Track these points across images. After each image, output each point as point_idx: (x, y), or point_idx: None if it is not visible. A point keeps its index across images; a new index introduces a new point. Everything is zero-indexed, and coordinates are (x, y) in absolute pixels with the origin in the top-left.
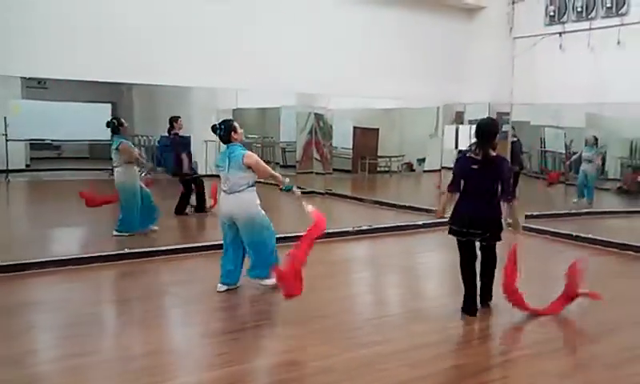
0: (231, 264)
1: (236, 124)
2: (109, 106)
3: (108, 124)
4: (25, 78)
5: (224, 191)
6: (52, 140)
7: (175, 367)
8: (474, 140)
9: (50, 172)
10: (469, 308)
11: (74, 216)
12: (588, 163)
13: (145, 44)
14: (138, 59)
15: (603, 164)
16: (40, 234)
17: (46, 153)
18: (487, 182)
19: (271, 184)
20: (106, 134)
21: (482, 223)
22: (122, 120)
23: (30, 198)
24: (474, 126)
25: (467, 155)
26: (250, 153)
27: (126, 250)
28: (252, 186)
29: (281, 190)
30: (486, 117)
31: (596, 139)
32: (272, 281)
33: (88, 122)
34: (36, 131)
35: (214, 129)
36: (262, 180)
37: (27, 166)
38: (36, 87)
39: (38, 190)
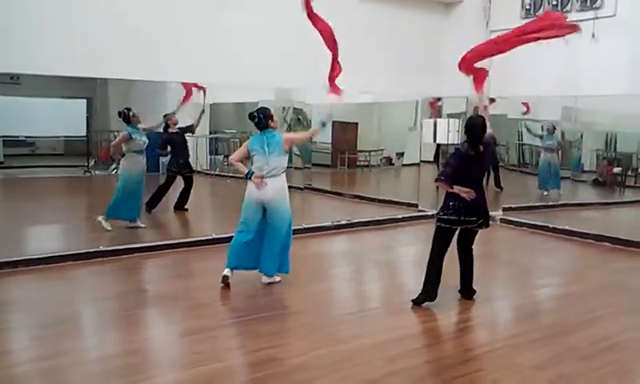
0: (251, 250)
1: (272, 112)
2: (84, 101)
3: (119, 114)
4: None
5: (260, 176)
6: (26, 136)
7: (152, 366)
8: (464, 138)
9: (24, 169)
10: (433, 294)
11: (48, 214)
12: (550, 152)
13: (119, 39)
14: (113, 54)
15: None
16: (13, 232)
17: (19, 149)
18: (480, 174)
19: None
20: (81, 131)
21: (477, 210)
22: (129, 109)
23: (3, 195)
24: (452, 120)
25: (461, 152)
26: (285, 135)
27: (101, 248)
28: (285, 171)
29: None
30: (472, 115)
31: (554, 127)
32: (277, 278)
33: (63, 118)
34: (9, 128)
35: (251, 116)
36: None
37: (0, 163)
38: (8, 83)
39: (12, 187)
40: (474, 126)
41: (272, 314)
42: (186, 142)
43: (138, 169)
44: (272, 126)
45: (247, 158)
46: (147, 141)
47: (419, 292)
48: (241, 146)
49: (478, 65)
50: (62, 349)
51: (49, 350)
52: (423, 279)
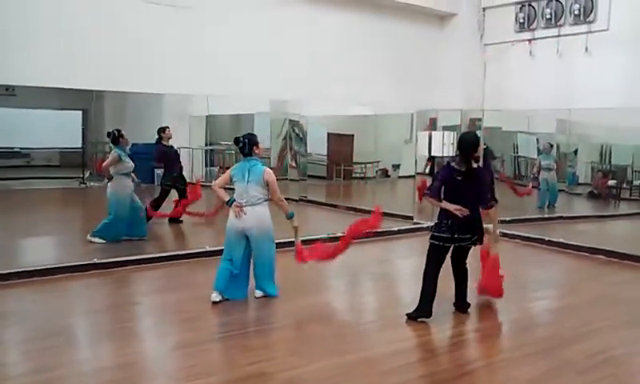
0: (234, 279)
1: (258, 139)
2: (79, 113)
3: (108, 134)
4: None
5: (241, 204)
6: (21, 148)
7: (145, 380)
8: (456, 152)
9: (19, 180)
10: (429, 312)
11: (42, 225)
12: (548, 171)
13: (116, 51)
14: (109, 66)
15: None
16: (7, 244)
17: (14, 161)
18: (471, 192)
19: None
20: (77, 142)
21: (471, 228)
22: (122, 131)
23: None
24: (447, 133)
25: (451, 165)
26: (269, 170)
27: (95, 261)
28: (267, 200)
29: (286, 216)
30: (467, 131)
31: (551, 146)
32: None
33: (58, 130)
34: (4, 139)
35: (236, 141)
36: None
37: None
38: (4, 94)
39: (6, 198)
40: (466, 142)
41: (263, 327)
42: (178, 155)
43: (126, 191)
44: (256, 153)
45: (230, 185)
46: (133, 165)
47: (414, 306)
48: (235, 161)
49: None
50: (55, 362)
51: (42, 363)
52: (419, 295)
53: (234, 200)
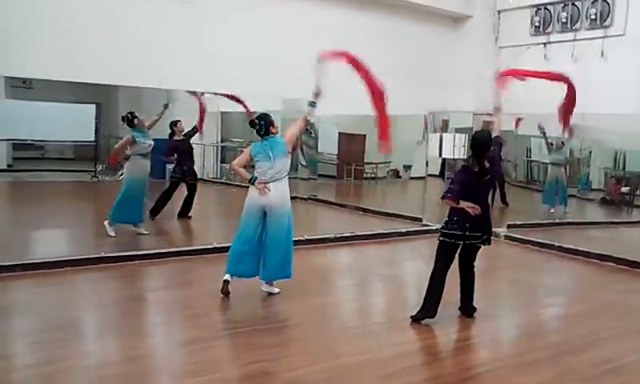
0: (251, 257)
1: (273, 119)
2: (93, 106)
3: (123, 119)
4: (9, 77)
5: (264, 181)
6: (35, 140)
7: (149, 375)
8: (470, 152)
9: (33, 172)
10: (434, 312)
11: (53, 218)
12: (558, 167)
13: (131, 46)
14: (124, 61)
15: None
16: (17, 235)
17: (29, 153)
18: (484, 191)
19: None
20: (90, 135)
21: (482, 226)
22: (132, 113)
23: (10, 198)
24: (458, 135)
25: (467, 168)
26: (284, 137)
27: (103, 254)
28: (286, 175)
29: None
30: (480, 130)
31: (562, 143)
32: (277, 289)
33: (73, 123)
34: (19, 131)
35: (252, 124)
36: None
37: (9, 166)
38: (21, 87)
39: (20, 190)
40: (479, 142)
41: (269, 326)
42: (191, 149)
43: (141, 172)
44: (273, 132)
45: (250, 165)
46: (152, 143)
47: (419, 307)
48: None
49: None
50: (61, 354)
51: (48, 356)
52: (424, 295)
53: (257, 177)
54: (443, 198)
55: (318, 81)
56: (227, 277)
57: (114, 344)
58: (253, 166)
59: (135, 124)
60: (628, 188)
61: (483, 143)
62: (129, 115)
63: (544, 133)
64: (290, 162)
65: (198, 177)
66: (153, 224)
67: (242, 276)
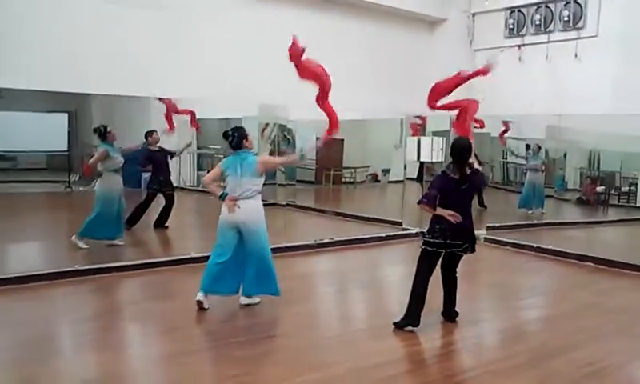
0: (228, 273)
1: (247, 132)
2: (65, 115)
3: (95, 130)
4: None
5: (235, 197)
6: (6, 151)
7: None
8: (449, 160)
9: (4, 184)
10: (417, 320)
11: (25, 230)
12: (535, 172)
13: (103, 54)
14: (96, 69)
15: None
16: None
17: (0, 164)
18: (466, 198)
19: None
20: (63, 145)
21: (464, 235)
22: (106, 127)
23: None
24: (436, 138)
25: (447, 174)
26: (260, 157)
27: (77, 267)
28: (260, 193)
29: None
30: (458, 137)
31: (539, 147)
32: (257, 298)
33: (45, 133)
34: None
35: (225, 135)
36: None
37: None
38: None
39: None
40: (460, 147)
41: (249, 337)
42: (167, 159)
43: (115, 188)
44: (246, 146)
45: (222, 179)
46: (123, 160)
47: (402, 314)
48: None
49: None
50: (36, 373)
51: (23, 374)
52: (407, 303)
53: (227, 194)
54: (420, 202)
55: (316, 140)
56: (200, 297)
57: (91, 360)
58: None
59: (107, 138)
60: (603, 187)
61: (464, 149)
62: (102, 128)
63: (514, 154)
64: (261, 181)
65: (175, 185)
66: (129, 235)
67: (218, 293)
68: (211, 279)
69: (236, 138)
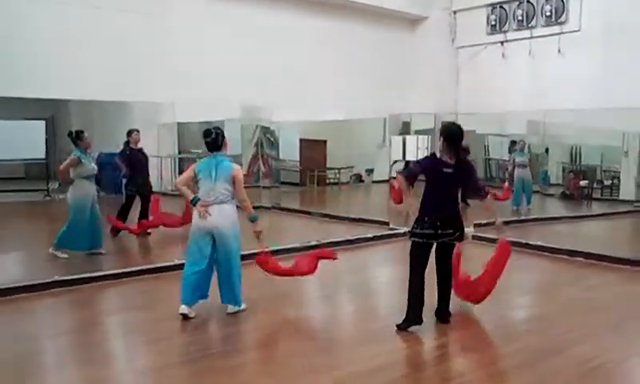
0: (205, 279)
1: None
2: (43, 122)
3: (69, 134)
4: None
5: (209, 202)
6: None
7: None
8: (440, 144)
9: None
10: (419, 318)
11: (4, 240)
12: (523, 168)
13: (80, 59)
14: (73, 75)
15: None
16: None
17: None
18: (456, 186)
19: None
20: (41, 152)
21: (453, 223)
22: (80, 132)
23: None
24: (421, 137)
25: (438, 157)
26: (238, 167)
27: (56, 278)
28: (233, 198)
29: (249, 218)
30: (449, 122)
31: (524, 143)
32: (244, 304)
33: (22, 141)
34: None
35: (208, 133)
36: None
37: None
38: None
39: None
40: (454, 133)
41: (235, 346)
42: (147, 160)
43: (87, 196)
44: (223, 150)
45: (194, 182)
46: (96, 168)
47: (395, 317)
48: None
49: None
50: None
51: None
52: (407, 304)
53: (199, 199)
54: (398, 173)
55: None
56: (184, 310)
57: (74, 376)
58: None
59: (78, 144)
60: (586, 182)
61: (458, 135)
62: (74, 132)
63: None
64: (232, 190)
65: (157, 190)
66: (111, 242)
67: (198, 300)
68: (190, 290)
69: (220, 135)
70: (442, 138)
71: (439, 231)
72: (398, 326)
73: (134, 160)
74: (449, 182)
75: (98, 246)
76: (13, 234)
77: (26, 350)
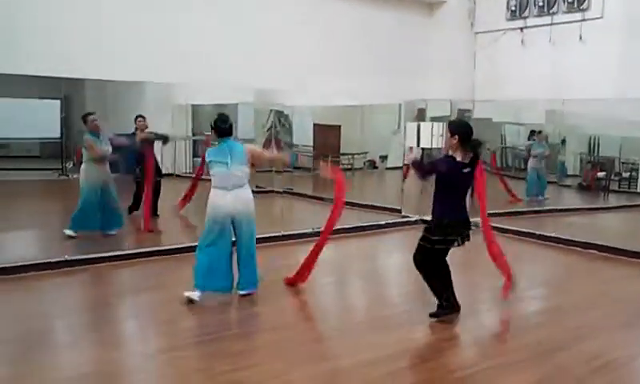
0: (222, 265)
1: None
2: (58, 102)
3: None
4: None
5: (223, 188)
6: None
7: None
8: (450, 143)
9: None
10: (457, 306)
11: (16, 219)
12: (539, 160)
13: (96, 38)
14: (89, 53)
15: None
16: None
17: None
18: (469, 182)
19: None
20: (56, 132)
21: (468, 222)
22: (87, 115)
23: None
24: (436, 124)
25: (456, 159)
26: (249, 146)
27: (67, 258)
28: (248, 181)
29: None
30: (457, 119)
31: (540, 132)
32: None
33: (38, 120)
34: None
35: (224, 119)
36: None
37: None
38: None
39: None
40: (469, 131)
41: (244, 330)
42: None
43: (97, 178)
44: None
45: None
46: (109, 149)
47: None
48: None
49: None
50: (29, 368)
51: (17, 370)
52: (437, 297)
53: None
54: (412, 164)
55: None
56: (196, 296)
57: (84, 355)
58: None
59: (89, 127)
60: (604, 173)
61: (471, 131)
62: (84, 115)
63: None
64: (249, 171)
65: (170, 172)
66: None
67: (216, 290)
68: (205, 275)
69: (230, 122)
70: (456, 137)
71: (464, 231)
72: (433, 315)
73: (139, 146)
74: (465, 183)
75: (110, 228)
76: (27, 213)
77: (35, 328)
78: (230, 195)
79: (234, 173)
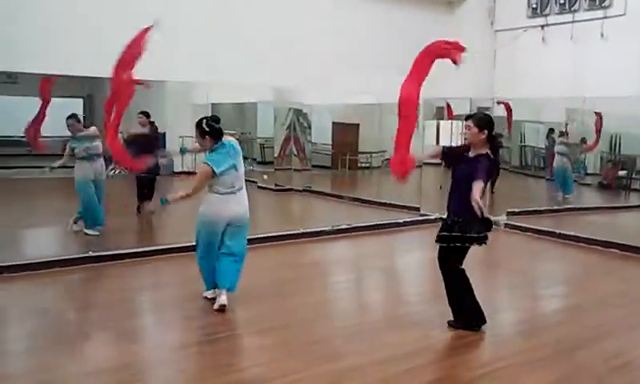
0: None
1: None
2: (81, 101)
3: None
4: None
5: (229, 192)
6: (22, 136)
7: None
8: (478, 137)
9: (20, 170)
10: (483, 317)
11: (40, 216)
12: (566, 158)
13: (118, 38)
14: (112, 53)
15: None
16: (2, 235)
17: (16, 149)
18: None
19: None
20: None
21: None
22: (73, 116)
23: None
24: (455, 122)
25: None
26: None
27: (91, 253)
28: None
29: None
30: (480, 112)
31: (566, 132)
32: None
33: (61, 118)
34: (6, 127)
35: (216, 120)
36: None
37: None
38: (6, 82)
39: (6, 188)
40: (493, 123)
41: (259, 328)
42: (156, 141)
43: (86, 176)
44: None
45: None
46: (88, 145)
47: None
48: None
49: None
50: (53, 362)
51: (42, 362)
52: (465, 307)
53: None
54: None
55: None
56: (208, 294)
57: (99, 352)
58: None
59: (69, 129)
60: (625, 172)
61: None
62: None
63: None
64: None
65: (180, 170)
66: (136, 221)
67: (227, 290)
68: (211, 275)
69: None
70: (485, 132)
71: (488, 231)
72: (473, 327)
73: (141, 143)
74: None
75: (97, 225)
76: (50, 209)
77: (59, 322)
78: (234, 199)
79: (241, 173)
